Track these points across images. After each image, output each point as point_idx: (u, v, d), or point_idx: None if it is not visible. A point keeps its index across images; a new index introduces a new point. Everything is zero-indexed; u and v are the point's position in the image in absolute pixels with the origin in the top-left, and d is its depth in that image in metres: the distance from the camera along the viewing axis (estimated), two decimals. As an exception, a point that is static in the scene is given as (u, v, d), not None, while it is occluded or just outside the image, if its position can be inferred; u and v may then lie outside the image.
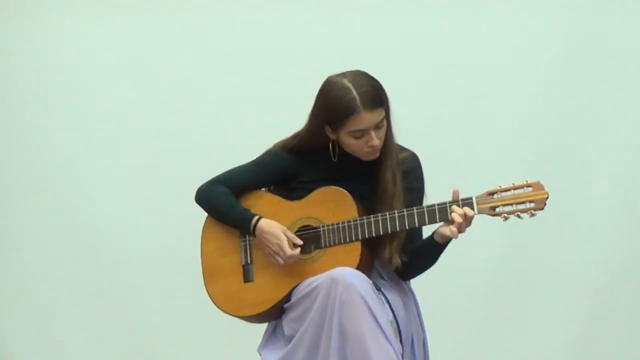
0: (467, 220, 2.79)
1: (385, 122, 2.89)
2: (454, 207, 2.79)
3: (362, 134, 2.86)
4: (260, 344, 3.01)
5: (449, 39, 4.23)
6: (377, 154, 2.92)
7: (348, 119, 2.84)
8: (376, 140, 2.86)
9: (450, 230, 2.78)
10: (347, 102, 2.83)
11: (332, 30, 4.28)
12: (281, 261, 2.91)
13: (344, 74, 2.90)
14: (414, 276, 3.02)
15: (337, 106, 2.84)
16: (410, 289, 3.05)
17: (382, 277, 2.97)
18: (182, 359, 4.33)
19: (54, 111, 4.41)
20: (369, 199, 2.94)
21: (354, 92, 2.83)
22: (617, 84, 4.15)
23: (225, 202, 3.02)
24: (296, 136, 3.02)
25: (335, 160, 2.96)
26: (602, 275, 4.16)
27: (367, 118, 2.83)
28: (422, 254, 2.92)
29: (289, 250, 2.89)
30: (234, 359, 4.19)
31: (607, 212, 4.14)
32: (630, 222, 4.15)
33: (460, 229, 2.79)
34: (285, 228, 2.94)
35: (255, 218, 2.96)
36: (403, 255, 2.90)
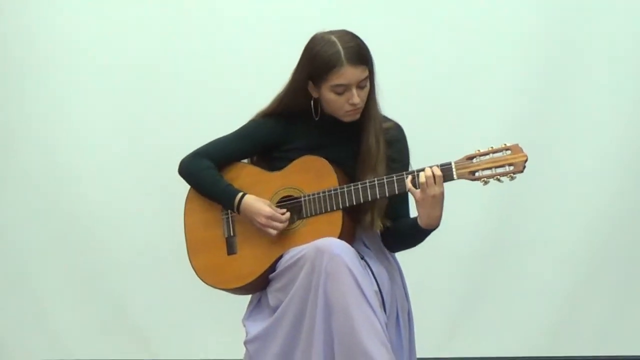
0: (438, 183, 2.75)
1: (368, 83, 2.89)
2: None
3: (344, 89, 2.85)
4: (245, 314, 3.00)
5: (434, 9, 4.21)
6: (357, 116, 2.92)
7: (331, 72, 2.83)
8: (357, 98, 2.85)
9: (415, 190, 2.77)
10: (332, 55, 2.83)
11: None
12: (274, 232, 2.90)
13: (331, 32, 2.91)
14: (399, 250, 3.02)
15: (321, 59, 2.84)
16: (395, 260, 3.04)
17: (366, 246, 2.96)
18: (167, 331, 4.32)
19: (36, 97, 4.40)
20: (351, 165, 2.93)
21: (339, 46, 2.84)
22: (601, 45, 4.12)
23: (208, 176, 3.01)
24: (277, 99, 3.01)
25: (317, 120, 2.95)
26: (587, 241, 4.13)
27: (350, 73, 2.83)
28: (407, 234, 2.91)
29: (283, 218, 2.89)
30: (219, 330, 4.20)
31: (591, 174, 4.11)
32: (616, 183, 4.12)
33: (425, 193, 2.75)
34: (269, 202, 2.93)
35: (239, 195, 2.95)
36: (386, 221, 2.90)
